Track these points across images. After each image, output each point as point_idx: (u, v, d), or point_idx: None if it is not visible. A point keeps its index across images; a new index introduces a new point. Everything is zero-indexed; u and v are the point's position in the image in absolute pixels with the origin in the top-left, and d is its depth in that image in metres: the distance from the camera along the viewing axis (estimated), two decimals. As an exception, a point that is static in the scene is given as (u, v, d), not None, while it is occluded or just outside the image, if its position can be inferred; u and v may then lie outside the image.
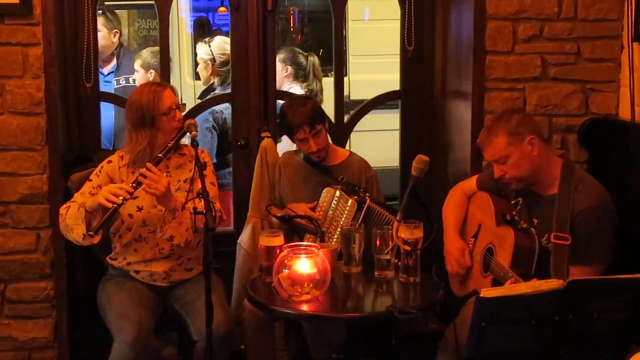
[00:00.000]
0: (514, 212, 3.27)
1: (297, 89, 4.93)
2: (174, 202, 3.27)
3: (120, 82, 5.01)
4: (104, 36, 4.88)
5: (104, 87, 4.74)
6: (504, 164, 3.12)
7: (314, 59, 5.10)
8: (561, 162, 3.17)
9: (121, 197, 3.12)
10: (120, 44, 5.07)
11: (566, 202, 3.04)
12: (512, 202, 3.31)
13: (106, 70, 4.98)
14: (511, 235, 3.10)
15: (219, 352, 3.19)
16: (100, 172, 3.42)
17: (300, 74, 5.04)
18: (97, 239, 3.23)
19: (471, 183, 3.51)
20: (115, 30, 4.97)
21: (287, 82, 4.99)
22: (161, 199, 3.24)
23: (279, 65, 4.93)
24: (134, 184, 3.18)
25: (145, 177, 3.18)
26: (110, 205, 3.11)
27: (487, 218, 3.31)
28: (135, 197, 3.27)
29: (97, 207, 3.19)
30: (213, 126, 4.76)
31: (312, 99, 3.78)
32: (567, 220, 3.00)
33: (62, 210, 3.32)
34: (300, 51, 5.15)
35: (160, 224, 3.37)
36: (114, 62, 5.03)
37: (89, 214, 3.21)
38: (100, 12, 4.84)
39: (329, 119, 3.87)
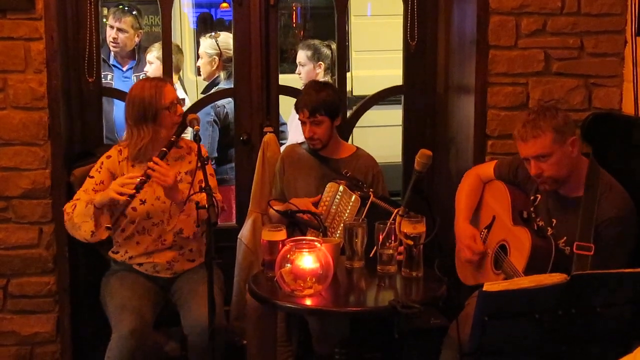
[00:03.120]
0: (531, 209, 3.22)
1: None
2: (181, 195, 3.28)
3: (141, 77, 5.06)
4: (129, 37, 4.95)
5: (122, 84, 4.79)
6: (544, 162, 3.02)
7: (334, 47, 4.80)
8: (587, 163, 3.11)
9: (132, 189, 3.15)
10: (139, 42, 5.13)
11: (591, 209, 2.97)
12: (531, 197, 3.25)
13: (125, 67, 5.02)
14: (528, 239, 3.03)
15: (208, 346, 3.20)
16: (101, 168, 3.42)
17: (329, 66, 4.95)
18: (104, 235, 3.27)
19: (489, 169, 3.43)
20: (140, 30, 5.03)
21: (321, 78, 4.93)
22: (169, 191, 3.26)
23: (308, 64, 4.90)
24: (142, 177, 3.20)
25: (153, 170, 3.20)
26: (125, 198, 3.14)
27: (502, 211, 3.26)
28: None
29: (107, 202, 3.22)
30: (214, 120, 4.76)
31: (333, 91, 3.71)
32: (591, 229, 2.94)
33: (68, 208, 3.32)
34: (322, 42, 5.04)
35: (167, 217, 3.39)
36: (132, 59, 5.07)
37: (97, 210, 3.22)
38: (130, 12, 4.90)
39: (344, 116, 3.83)
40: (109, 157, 3.45)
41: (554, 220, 3.13)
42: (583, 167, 3.09)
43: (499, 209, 3.29)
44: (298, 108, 3.65)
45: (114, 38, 4.92)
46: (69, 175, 3.62)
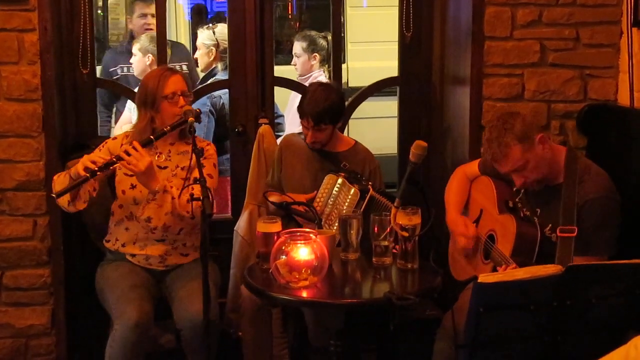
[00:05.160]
0: (516, 199, 3.24)
1: (323, 78, 4.85)
2: (156, 184, 3.25)
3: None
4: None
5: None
6: (524, 171, 3.05)
7: (330, 38, 4.82)
8: (565, 151, 3.14)
9: (97, 166, 3.13)
10: None
11: (572, 193, 3.01)
12: (515, 188, 3.27)
13: None
14: (513, 223, 3.08)
15: (202, 340, 3.19)
16: (102, 147, 3.45)
17: (325, 58, 4.93)
18: (80, 206, 3.27)
19: (473, 167, 3.47)
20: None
21: (315, 70, 4.90)
22: (141, 178, 3.24)
23: (303, 56, 4.89)
24: (114, 157, 3.20)
25: (128, 154, 3.19)
26: (83, 173, 3.12)
27: (489, 204, 3.28)
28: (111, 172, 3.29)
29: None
30: (210, 111, 4.77)
31: (338, 97, 3.59)
32: (574, 212, 2.97)
33: (55, 177, 3.33)
34: (318, 34, 5.03)
35: (144, 204, 3.39)
36: None
37: (72, 181, 3.20)
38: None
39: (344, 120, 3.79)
40: (114, 138, 3.50)
41: (538, 210, 3.16)
42: (561, 156, 3.12)
43: (485, 202, 3.32)
44: (302, 114, 3.57)
45: (149, 24, 4.97)
46: (63, 167, 3.60)
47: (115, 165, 3.22)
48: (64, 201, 3.25)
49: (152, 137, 3.30)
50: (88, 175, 3.12)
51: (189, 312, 3.21)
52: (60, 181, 3.26)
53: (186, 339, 3.31)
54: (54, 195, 3.17)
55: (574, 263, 2.90)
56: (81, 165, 3.15)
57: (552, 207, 3.07)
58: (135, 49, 4.92)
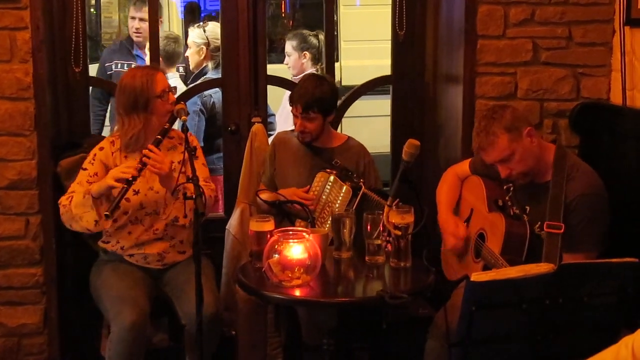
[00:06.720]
0: (506, 198, 3.26)
1: None
2: (175, 183, 3.24)
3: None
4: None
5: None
6: (509, 162, 3.07)
7: (322, 37, 4.87)
8: (554, 149, 3.16)
9: (130, 176, 3.13)
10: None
11: (559, 190, 3.02)
12: (505, 187, 3.29)
13: (147, 56, 5.11)
14: (502, 221, 3.09)
15: (207, 335, 3.18)
16: (94, 160, 3.40)
17: (316, 56, 4.94)
18: (109, 224, 3.27)
19: (464, 167, 3.48)
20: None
21: (308, 69, 4.92)
22: (164, 179, 3.25)
23: (294, 54, 4.89)
24: (139, 165, 3.19)
25: (148, 157, 3.19)
26: (121, 185, 3.12)
27: (479, 203, 3.30)
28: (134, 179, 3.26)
29: (104, 191, 3.21)
30: (201, 109, 4.77)
31: (330, 88, 3.60)
32: (561, 208, 2.98)
33: (64, 201, 3.30)
34: (309, 32, 5.03)
35: (162, 206, 3.39)
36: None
37: (96, 200, 3.22)
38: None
39: (337, 118, 3.78)
40: (101, 148, 3.44)
41: (528, 208, 3.17)
42: (549, 152, 3.13)
43: (475, 201, 3.33)
44: (292, 101, 3.60)
45: (137, 28, 5.03)
46: (55, 165, 3.60)
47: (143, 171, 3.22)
48: (89, 223, 3.24)
49: (159, 136, 3.30)
50: (125, 185, 3.13)
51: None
52: (77, 204, 3.24)
53: (190, 335, 3.30)
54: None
55: (562, 260, 2.93)
56: (110, 179, 3.15)
57: (541, 205, 3.07)
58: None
